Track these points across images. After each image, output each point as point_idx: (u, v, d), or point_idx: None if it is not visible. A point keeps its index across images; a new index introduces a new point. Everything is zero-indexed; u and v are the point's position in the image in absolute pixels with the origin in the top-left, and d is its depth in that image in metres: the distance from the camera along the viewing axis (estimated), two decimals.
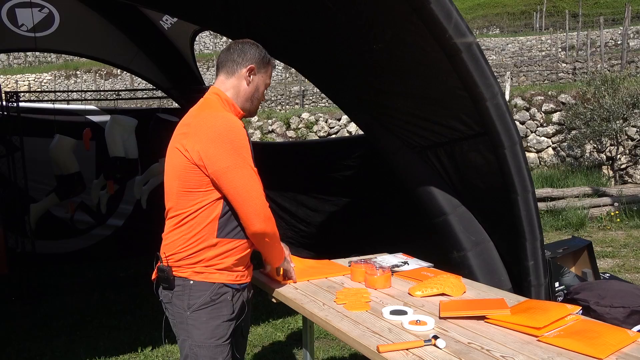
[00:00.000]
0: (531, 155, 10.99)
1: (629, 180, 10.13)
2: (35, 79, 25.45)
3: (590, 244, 3.64)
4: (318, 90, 18.31)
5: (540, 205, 7.73)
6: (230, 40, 2.47)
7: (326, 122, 12.82)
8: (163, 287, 2.00)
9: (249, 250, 2.08)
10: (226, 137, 1.87)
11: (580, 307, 1.91)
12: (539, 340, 1.65)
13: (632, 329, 2.11)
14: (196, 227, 1.94)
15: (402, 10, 2.48)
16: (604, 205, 8.43)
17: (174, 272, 1.97)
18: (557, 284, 3.28)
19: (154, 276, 2.04)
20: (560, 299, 3.22)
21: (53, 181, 5.93)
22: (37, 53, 26.60)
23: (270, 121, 13.00)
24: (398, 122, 3.06)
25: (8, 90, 7.80)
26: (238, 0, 3.08)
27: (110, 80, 25.34)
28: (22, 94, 5.79)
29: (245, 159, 1.90)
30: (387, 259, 2.68)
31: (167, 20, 5.28)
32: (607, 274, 3.89)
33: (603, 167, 10.48)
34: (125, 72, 21.02)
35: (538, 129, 11.20)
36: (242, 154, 1.89)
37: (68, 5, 5.32)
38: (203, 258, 1.96)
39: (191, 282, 1.97)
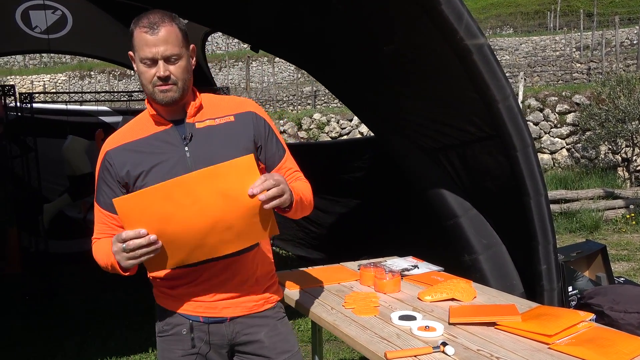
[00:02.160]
0: (545, 157, 10.88)
1: None
2: (50, 80, 25.74)
3: (604, 247, 3.59)
4: None
5: (554, 207, 7.64)
6: (241, 42, 2.44)
7: (338, 122, 12.79)
8: None
9: (211, 279, 1.66)
10: None
11: (594, 314, 1.87)
12: (549, 348, 1.62)
13: None
14: None
15: (413, 11, 2.46)
16: (618, 208, 8.31)
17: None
18: (570, 289, 3.24)
19: None
20: (573, 303, 3.18)
21: (66, 181, 5.97)
22: (52, 54, 26.89)
23: (282, 121, 13.00)
24: (409, 124, 3.03)
25: (23, 91, 7.88)
26: (248, 2, 3.08)
27: (124, 80, 25.52)
28: (36, 95, 5.84)
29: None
30: (397, 263, 2.66)
31: None
32: (622, 278, 3.84)
33: (618, 168, 10.35)
34: None
35: (552, 130, 11.07)
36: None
37: (80, 7, 5.36)
38: (154, 282, 1.74)
39: (156, 302, 1.76)
